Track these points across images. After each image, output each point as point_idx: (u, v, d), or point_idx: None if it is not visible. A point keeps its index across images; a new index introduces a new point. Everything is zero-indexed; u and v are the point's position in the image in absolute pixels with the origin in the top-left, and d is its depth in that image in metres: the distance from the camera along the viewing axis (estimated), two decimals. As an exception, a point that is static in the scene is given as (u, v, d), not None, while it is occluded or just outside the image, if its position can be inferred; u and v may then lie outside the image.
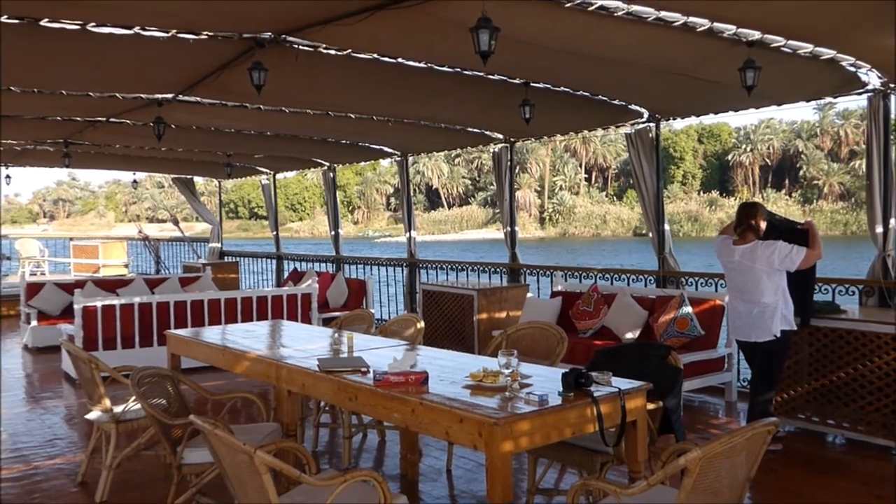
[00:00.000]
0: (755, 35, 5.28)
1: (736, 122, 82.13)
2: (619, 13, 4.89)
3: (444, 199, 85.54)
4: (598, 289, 8.13)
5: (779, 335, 5.51)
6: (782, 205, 67.28)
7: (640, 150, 8.44)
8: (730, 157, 77.77)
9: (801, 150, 74.83)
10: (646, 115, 8.23)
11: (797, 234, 5.65)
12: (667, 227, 8.62)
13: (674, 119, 8.61)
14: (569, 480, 5.09)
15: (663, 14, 4.93)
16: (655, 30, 5.14)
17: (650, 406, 4.03)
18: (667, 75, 6.55)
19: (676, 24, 5.05)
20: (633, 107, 8.01)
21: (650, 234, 8.73)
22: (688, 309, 7.14)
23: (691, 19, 5.02)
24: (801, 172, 73.89)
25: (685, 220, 69.80)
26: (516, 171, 10.95)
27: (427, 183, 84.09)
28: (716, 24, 5.12)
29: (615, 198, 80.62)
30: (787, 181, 75.13)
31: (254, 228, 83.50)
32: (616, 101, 7.81)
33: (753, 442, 3.03)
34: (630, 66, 6.27)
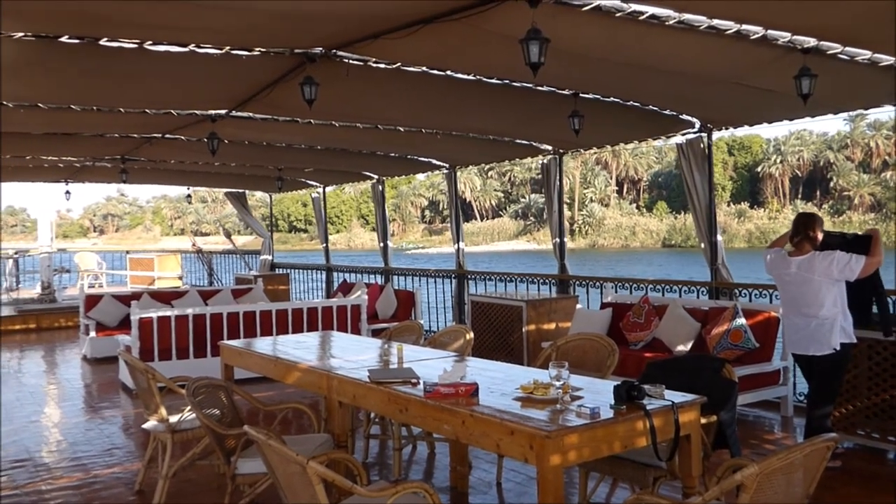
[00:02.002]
0: (811, 42, 5.18)
1: (767, 134, 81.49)
2: (671, 22, 4.85)
3: (476, 211, 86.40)
4: (649, 300, 8.02)
5: (838, 348, 5.38)
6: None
7: (692, 160, 8.33)
8: (760, 168, 77.16)
9: (831, 161, 74.11)
10: (697, 125, 8.13)
11: (852, 243, 5.51)
12: (720, 237, 8.49)
13: (726, 129, 8.49)
14: (620, 495, 5.03)
15: (716, 22, 4.87)
16: (708, 38, 5.08)
17: (704, 420, 3.96)
18: (719, 84, 6.47)
19: (729, 31, 4.99)
20: (685, 117, 7.92)
21: (702, 245, 8.60)
22: (741, 321, 7.00)
23: (745, 27, 4.95)
24: (832, 184, 73.19)
25: (713, 231, 69.60)
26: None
27: (459, 195, 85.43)
28: (770, 32, 5.03)
29: (645, 209, 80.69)
30: (817, 192, 74.31)
31: (292, 241, 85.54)
32: (667, 112, 7.74)
33: (812, 458, 2.96)
34: (681, 75, 6.20)
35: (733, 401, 4.33)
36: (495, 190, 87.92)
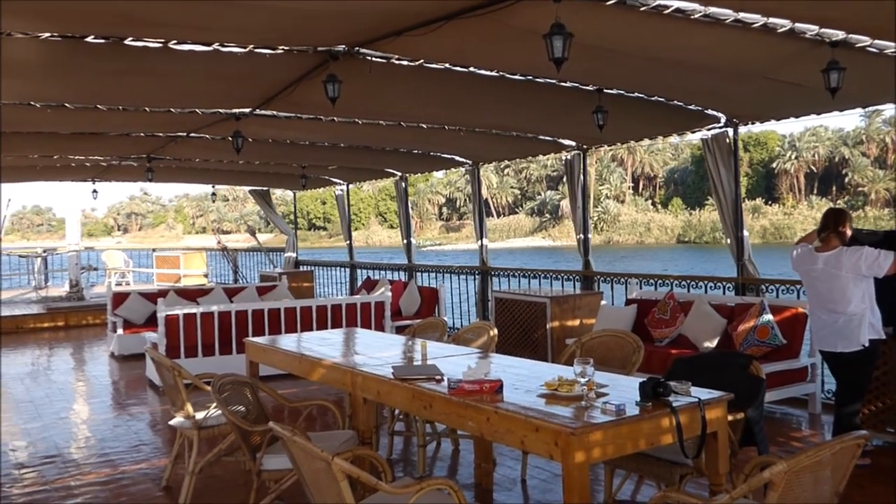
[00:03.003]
0: (839, 35, 5.11)
1: (782, 130, 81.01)
2: (696, 15, 4.80)
3: (493, 208, 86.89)
4: (675, 296, 7.96)
5: (867, 345, 5.30)
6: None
7: (717, 155, 8.24)
8: (775, 164, 76.80)
9: (846, 157, 73.72)
10: (723, 119, 8.05)
11: (881, 239, 5.43)
12: (745, 233, 8.40)
13: (752, 123, 8.40)
14: (646, 493, 5.00)
15: (742, 15, 4.82)
16: (734, 32, 5.03)
17: (731, 417, 3.93)
18: (745, 79, 6.40)
19: (756, 25, 4.93)
20: (710, 111, 7.84)
21: (728, 241, 8.53)
22: (768, 317, 6.93)
23: (771, 20, 4.89)
24: (847, 179, 72.84)
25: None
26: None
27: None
28: (797, 25, 4.97)
29: (661, 206, 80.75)
30: (833, 188, 73.93)
31: (311, 238, 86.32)
32: (692, 106, 7.67)
33: (841, 456, 2.92)
34: (707, 69, 6.14)
35: (760, 398, 4.28)
36: (511, 187, 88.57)
